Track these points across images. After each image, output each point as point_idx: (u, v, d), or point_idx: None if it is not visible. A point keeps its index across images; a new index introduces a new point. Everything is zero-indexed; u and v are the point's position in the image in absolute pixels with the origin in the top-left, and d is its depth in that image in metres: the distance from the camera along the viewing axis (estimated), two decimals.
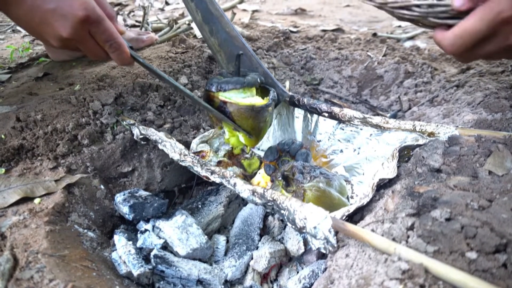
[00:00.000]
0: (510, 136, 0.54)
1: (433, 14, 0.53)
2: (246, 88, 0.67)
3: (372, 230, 0.46)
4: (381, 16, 1.51)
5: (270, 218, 0.72)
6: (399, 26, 1.36)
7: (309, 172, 0.63)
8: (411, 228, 0.42)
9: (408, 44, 1.16)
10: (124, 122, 0.75)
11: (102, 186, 0.68)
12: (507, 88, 0.71)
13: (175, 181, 0.78)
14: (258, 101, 0.69)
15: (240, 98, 0.67)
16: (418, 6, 0.54)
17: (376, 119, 0.66)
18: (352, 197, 0.69)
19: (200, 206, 0.71)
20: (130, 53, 0.67)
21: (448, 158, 0.53)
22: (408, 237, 0.41)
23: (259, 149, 0.84)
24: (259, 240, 0.67)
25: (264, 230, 0.71)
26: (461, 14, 0.51)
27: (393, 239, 0.42)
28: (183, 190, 0.81)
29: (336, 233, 0.49)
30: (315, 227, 0.49)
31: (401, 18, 0.59)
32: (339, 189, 0.65)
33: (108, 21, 0.63)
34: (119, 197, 0.65)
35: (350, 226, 0.46)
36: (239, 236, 0.67)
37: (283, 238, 0.68)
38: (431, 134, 0.61)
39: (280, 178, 0.64)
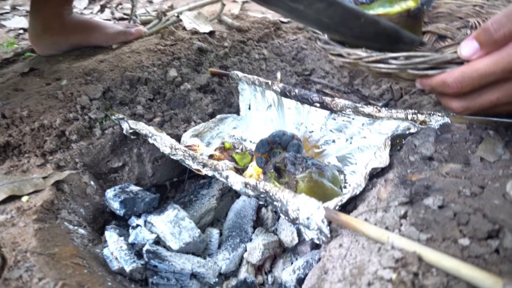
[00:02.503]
0: (501, 122, 0.54)
1: (412, 65, 0.49)
2: None
3: (365, 220, 0.45)
4: None
5: (263, 210, 0.71)
6: None
7: (301, 163, 0.63)
8: (404, 216, 0.41)
9: None
10: (113, 117, 0.74)
11: (92, 182, 0.66)
12: None
13: (166, 175, 0.77)
14: (408, 2, 0.56)
15: (388, 7, 0.54)
16: (395, 58, 0.50)
17: (368, 109, 0.66)
18: (345, 187, 0.68)
19: (192, 200, 0.71)
20: None
21: (440, 146, 0.53)
22: (401, 225, 0.41)
23: (251, 142, 0.84)
24: (253, 232, 0.66)
25: (258, 222, 0.71)
26: (447, 64, 0.48)
27: (386, 228, 0.42)
28: (175, 184, 0.80)
29: (329, 223, 0.48)
30: (308, 218, 0.48)
31: (377, 73, 0.54)
32: (331, 179, 0.65)
33: None
34: (109, 193, 0.64)
35: (343, 216, 0.46)
36: (232, 228, 0.67)
37: (276, 229, 0.68)
38: (423, 123, 0.61)
39: (272, 170, 0.64)
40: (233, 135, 0.85)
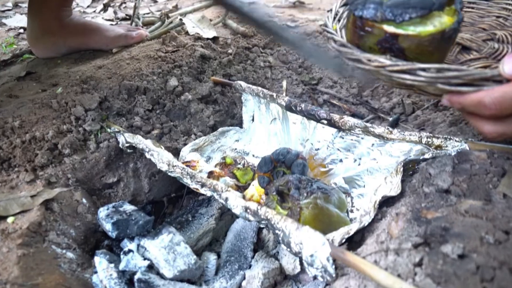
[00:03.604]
0: None
1: (443, 79, 0.43)
2: (435, 12, 0.47)
3: (375, 262, 0.42)
4: None
5: (264, 231, 0.68)
6: None
7: (305, 187, 0.59)
8: (419, 264, 0.37)
9: None
10: (109, 129, 0.70)
11: (84, 200, 0.63)
12: None
13: (164, 190, 0.74)
14: (443, 19, 0.48)
15: (420, 27, 0.47)
16: (424, 69, 0.44)
17: (379, 129, 0.62)
18: (351, 211, 0.64)
19: (190, 219, 0.67)
20: None
21: (458, 177, 0.49)
22: (415, 274, 0.37)
23: (253, 156, 0.80)
24: (252, 257, 0.63)
25: (258, 244, 0.67)
26: (485, 81, 0.42)
27: (399, 275, 0.38)
28: (172, 200, 0.76)
29: (335, 260, 0.45)
30: (311, 255, 0.45)
31: (399, 84, 0.48)
32: (338, 204, 0.61)
33: None
34: (102, 212, 0.60)
35: (350, 256, 0.42)
36: (231, 252, 0.63)
37: (278, 253, 0.64)
38: (438, 147, 0.57)
39: (275, 193, 0.60)
40: (235, 149, 0.81)
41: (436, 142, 0.57)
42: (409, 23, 0.47)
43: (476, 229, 0.39)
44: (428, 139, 0.57)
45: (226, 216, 0.71)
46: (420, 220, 0.44)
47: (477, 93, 0.42)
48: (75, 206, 0.61)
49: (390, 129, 0.61)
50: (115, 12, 1.49)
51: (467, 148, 0.54)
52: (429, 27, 0.47)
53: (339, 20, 0.60)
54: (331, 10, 0.61)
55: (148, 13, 1.44)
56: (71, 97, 0.73)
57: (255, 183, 0.68)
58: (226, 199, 0.59)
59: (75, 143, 0.66)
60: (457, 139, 0.55)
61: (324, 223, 0.56)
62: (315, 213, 0.56)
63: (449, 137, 0.56)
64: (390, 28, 0.48)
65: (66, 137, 0.66)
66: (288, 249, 0.49)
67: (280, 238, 0.51)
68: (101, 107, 0.73)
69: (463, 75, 0.42)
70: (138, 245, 0.57)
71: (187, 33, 1.03)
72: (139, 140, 0.68)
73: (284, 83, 0.97)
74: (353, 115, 0.92)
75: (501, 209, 0.42)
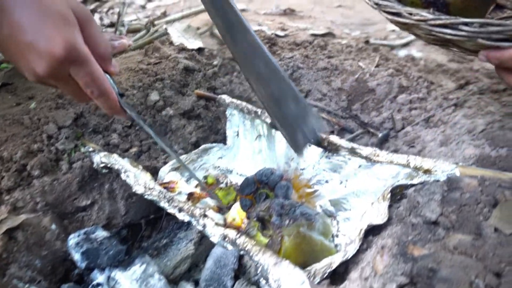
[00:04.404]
0: None
1: (485, 34, 0.44)
2: None
3: None
4: (374, 19, 1.42)
5: (246, 256, 0.64)
6: (393, 31, 1.27)
7: (288, 213, 0.56)
8: None
9: (402, 53, 1.07)
10: (83, 149, 0.67)
11: (53, 226, 0.59)
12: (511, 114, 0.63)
13: (141, 212, 0.70)
14: None
15: None
16: (466, 24, 0.45)
17: (366, 151, 0.59)
18: (337, 236, 0.61)
19: (167, 245, 0.64)
20: (120, 103, 0.56)
21: (447, 207, 0.46)
22: None
23: (237, 174, 0.76)
24: (233, 286, 0.59)
25: (240, 270, 0.63)
26: None
27: None
28: (151, 222, 0.73)
29: None
30: None
31: (435, 39, 0.50)
32: (322, 230, 0.58)
33: (93, 64, 0.51)
34: (72, 240, 0.57)
35: None
36: (210, 281, 0.59)
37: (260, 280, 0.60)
38: (427, 171, 0.54)
39: (256, 219, 0.57)
40: (218, 166, 0.78)
41: (425, 166, 0.54)
42: None
43: (465, 271, 0.36)
44: (416, 163, 0.55)
45: (206, 240, 0.67)
46: (406, 256, 0.41)
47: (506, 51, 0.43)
48: (42, 233, 0.58)
49: (378, 150, 0.59)
50: (101, 19, 1.45)
51: (457, 174, 0.51)
52: None
53: None
54: None
55: (135, 20, 1.41)
56: (44, 113, 0.70)
57: (237, 205, 0.65)
58: (204, 226, 0.56)
59: (46, 164, 0.63)
60: (447, 163, 0.52)
61: (306, 252, 0.53)
62: (297, 242, 0.53)
63: (438, 161, 0.53)
64: None
65: (36, 157, 0.63)
66: (267, 284, 0.46)
67: (259, 271, 0.48)
68: (77, 124, 0.70)
69: (506, 30, 0.43)
70: (109, 277, 0.53)
71: (171, 43, 1.00)
72: (114, 160, 0.64)
73: None
74: (342, 129, 0.89)
75: (492, 245, 0.40)
